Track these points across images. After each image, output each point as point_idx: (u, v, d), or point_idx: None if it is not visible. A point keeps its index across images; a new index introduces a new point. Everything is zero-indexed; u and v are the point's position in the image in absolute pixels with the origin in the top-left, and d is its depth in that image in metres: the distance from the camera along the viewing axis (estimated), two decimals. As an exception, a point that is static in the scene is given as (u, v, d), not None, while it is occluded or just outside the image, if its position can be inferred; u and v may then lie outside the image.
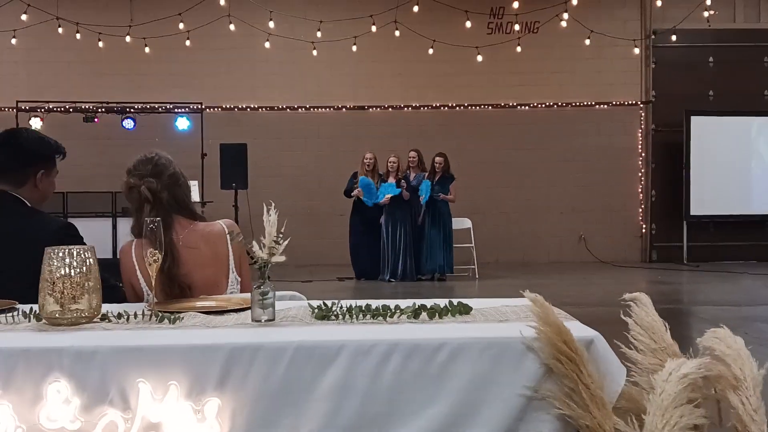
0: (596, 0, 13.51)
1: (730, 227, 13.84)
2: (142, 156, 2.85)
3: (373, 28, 12.83)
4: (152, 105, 12.95)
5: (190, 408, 1.82)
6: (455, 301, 2.22)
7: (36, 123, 12.36)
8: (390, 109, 13.93)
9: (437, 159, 11.54)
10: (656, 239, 14.18)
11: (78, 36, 12.78)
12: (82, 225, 2.94)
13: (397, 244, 11.30)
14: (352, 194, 11.52)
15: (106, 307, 2.17)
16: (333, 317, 2.12)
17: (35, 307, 2.10)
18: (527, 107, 14.03)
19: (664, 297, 9.51)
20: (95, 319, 2.09)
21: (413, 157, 11.59)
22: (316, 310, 2.16)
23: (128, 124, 12.71)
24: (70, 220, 3.20)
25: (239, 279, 2.80)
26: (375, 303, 2.21)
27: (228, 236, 2.70)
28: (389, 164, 11.41)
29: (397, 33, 12.92)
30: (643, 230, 14.24)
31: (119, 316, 2.13)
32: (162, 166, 2.81)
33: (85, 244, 2.51)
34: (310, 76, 13.75)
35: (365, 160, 11.52)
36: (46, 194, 2.98)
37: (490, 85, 13.85)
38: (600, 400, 1.83)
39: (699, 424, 1.86)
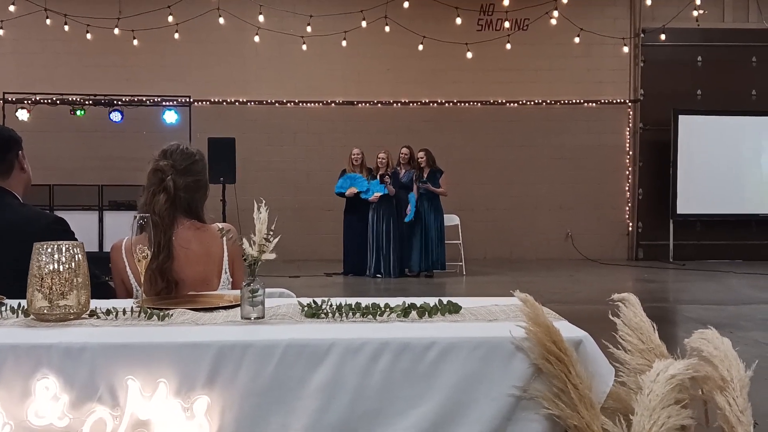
0: (586, -2, 13.58)
1: (717, 226, 13.93)
2: (183, 146, 2.85)
3: (363, 24, 12.82)
4: (140, 98, 12.89)
5: (179, 406, 1.81)
6: (445, 300, 2.22)
7: (23, 115, 12.28)
8: (379, 104, 13.93)
9: (419, 154, 11.55)
10: (643, 237, 14.25)
11: (66, 28, 12.70)
12: (68, 218, 2.93)
13: (383, 239, 11.29)
14: (346, 194, 11.47)
15: (94, 303, 2.15)
16: (323, 315, 2.12)
17: (23, 302, 2.09)
18: (516, 104, 14.06)
19: (650, 295, 9.56)
20: (84, 316, 2.08)
21: (405, 154, 11.57)
22: (306, 308, 2.15)
23: (116, 116, 12.64)
24: (57, 213, 3.19)
25: (231, 279, 2.80)
26: (364, 301, 2.21)
27: (221, 233, 2.69)
28: (379, 160, 11.40)
29: (387, 28, 12.91)
30: (630, 228, 14.31)
31: (108, 312, 2.12)
32: (196, 168, 2.83)
33: (76, 239, 2.50)
34: (299, 71, 13.72)
35: (352, 156, 11.52)
36: (30, 176, 2.99)
37: (479, 82, 13.87)
38: (588, 401, 1.84)
39: (686, 425, 1.88)
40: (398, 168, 11.52)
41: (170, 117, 12.75)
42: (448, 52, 13.40)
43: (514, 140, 13.98)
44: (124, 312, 2.12)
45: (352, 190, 11.37)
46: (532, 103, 14.07)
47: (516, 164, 14.00)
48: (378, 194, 11.20)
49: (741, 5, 14.20)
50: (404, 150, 11.63)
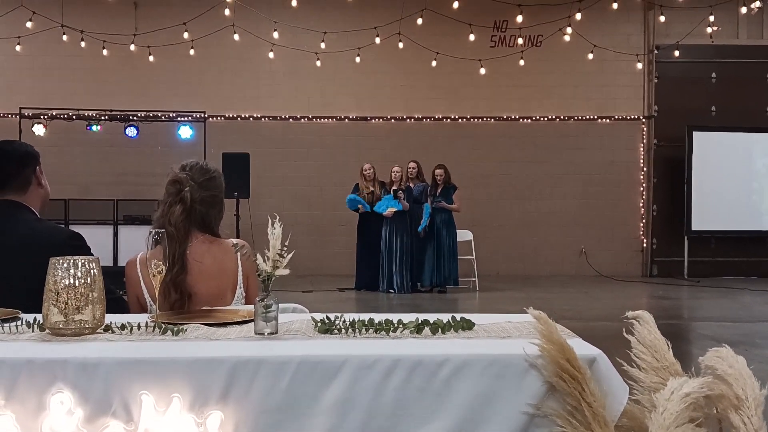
0: (600, 15, 13.55)
1: (731, 243, 13.85)
2: (203, 163, 2.92)
3: (377, 40, 12.87)
4: (155, 113, 12.98)
5: (193, 421, 1.81)
6: (458, 316, 2.22)
7: (39, 130, 12.38)
8: (392, 120, 13.97)
9: (437, 171, 11.56)
10: (657, 254, 14.18)
11: (83, 44, 12.83)
12: (83, 232, 2.94)
13: (396, 254, 11.28)
14: (358, 211, 11.51)
15: (109, 318, 2.16)
16: (336, 331, 2.12)
17: (39, 316, 2.10)
18: (530, 120, 14.07)
19: (664, 313, 9.50)
20: (99, 330, 2.09)
21: (413, 168, 11.60)
22: (319, 324, 2.15)
23: (131, 131, 12.73)
24: (72, 227, 3.20)
25: (245, 294, 2.82)
26: (378, 317, 2.21)
27: (235, 248, 2.70)
28: (393, 174, 11.42)
29: (400, 45, 12.96)
30: (644, 245, 14.24)
31: (123, 327, 2.13)
32: (214, 183, 2.89)
33: (92, 254, 2.52)
34: (313, 87, 13.79)
35: (365, 172, 11.55)
36: (48, 192, 3.00)
37: (492, 98, 13.89)
38: (602, 419, 1.83)
39: (700, 444, 1.87)
40: (408, 183, 11.53)
41: (185, 132, 12.84)
42: (462, 68, 13.43)
43: (528, 156, 13.97)
44: (139, 327, 2.13)
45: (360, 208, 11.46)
46: (546, 119, 14.08)
47: (530, 180, 13.98)
48: (392, 209, 11.20)
49: (755, 21, 14.16)
50: (412, 164, 11.65)
